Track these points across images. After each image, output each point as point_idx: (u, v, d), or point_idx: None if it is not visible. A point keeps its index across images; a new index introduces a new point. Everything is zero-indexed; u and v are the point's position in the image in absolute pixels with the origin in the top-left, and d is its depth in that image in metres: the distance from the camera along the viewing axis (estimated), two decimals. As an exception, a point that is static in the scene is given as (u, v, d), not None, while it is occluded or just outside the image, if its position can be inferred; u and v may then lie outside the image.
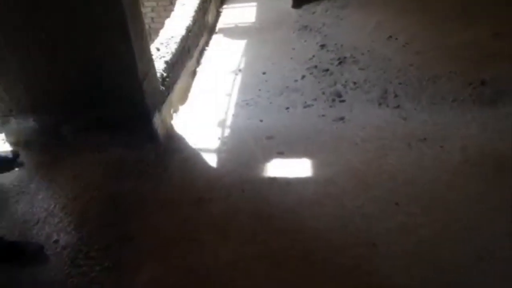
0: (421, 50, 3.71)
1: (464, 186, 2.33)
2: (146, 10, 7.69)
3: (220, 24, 4.95)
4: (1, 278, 1.94)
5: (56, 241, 2.12)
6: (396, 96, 3.16)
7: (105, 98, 2.54)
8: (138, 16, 2.64)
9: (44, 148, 2.65)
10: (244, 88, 3.54)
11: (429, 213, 2.18)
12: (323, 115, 3.08)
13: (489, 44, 3.59)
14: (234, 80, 3.68)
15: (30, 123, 2.55)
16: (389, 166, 2.53)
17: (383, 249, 2.02)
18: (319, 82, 3.50)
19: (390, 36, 4.01)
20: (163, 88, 2.98)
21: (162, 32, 3.71)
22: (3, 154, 2.56)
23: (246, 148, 2.78)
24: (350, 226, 2.15)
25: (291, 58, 3.98)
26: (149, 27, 7.51)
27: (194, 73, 3.81)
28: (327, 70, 3.64)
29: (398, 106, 3.05)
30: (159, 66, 3.10)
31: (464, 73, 3.27)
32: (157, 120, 2.71)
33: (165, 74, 3.09)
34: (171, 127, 2.92)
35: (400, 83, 3.29)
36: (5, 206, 2.26)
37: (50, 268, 2.02)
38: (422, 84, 3.25)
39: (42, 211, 2.26)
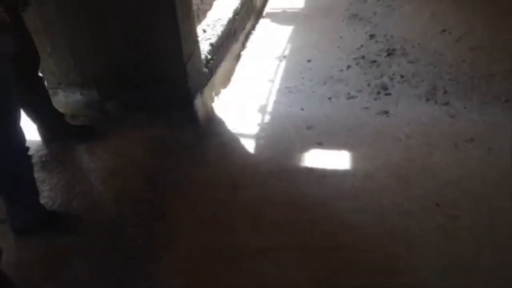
0: (476, 45, 3.53)
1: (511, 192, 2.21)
2: (196, -10, 7.74)
3: (267, 9, 4.89)
4: (39, 246, 2.02)
5: (94, 215, 2.17)
6: (445, 92, 3.03)
7: (149, 77, 2.57)
8: (186, -2, 2.65)
9: (89, 122, 2.72)
10: (287, 75, 3.49)
11: (471, 216, 2.09)
12: (366, 108, 3.00)
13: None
14: (278, 66, 3.64)
15: (77, 96, 2.62)
16: (432, 165, 2.44)
17: (420, 250, 1.96)
18: (365, 73, 3.40)
19: (444, 30, 3.84)
20: (207, 70, 2.98)
21: (209, 14, 3.71)
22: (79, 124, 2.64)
23: (285, 136, 2.74)
24: (386, 223, 2.10)
25: (338, 47, 3.88)
26: (198, 8, 7.52)
27: (238, 57, 3.79)
28: (375, 61, 3.53)
29: (446, 103, 2.92)
30: (204, 48, 3.10)
31: (521, 73, 3.10)
32: (198, 102, 2.72)
33: (209, 57, 3.08)
34: (212, 110, 2.93)
35: (450, 80, 3.15)
36: (49, 175, 2.34)
37: (86, 240, 2.08)
38: (474, 81, 3.10)
39: (83, 183, 2.32)
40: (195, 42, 2.80)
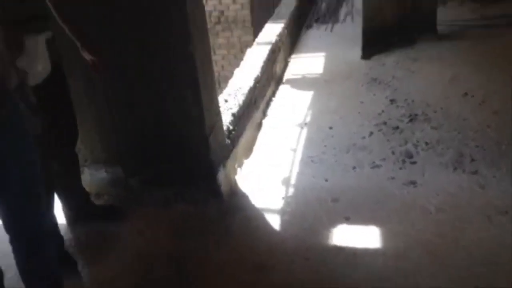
0: (500, 109, 3.49)
1: (555, 272, 2.09)
2: (217, 58, 8.01)
3: (287, 74, 4.98)
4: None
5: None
6: (472, 160, 2.96)
7: (172, 151, 2.58)
8: (209, 68, 2.70)
9: (112, 201, 2.70)
10: (309, 143, 3.48)
11: (514, 302, 1.96)
12: (392, 178, 2.93)
13: None
14: (299, 134, 3.63)
15: (101, 174, 2.63)
16: (466, 241, 2.33)
17: None
18: (388, 140, 3.36)
19: (466, 93, 3.82)
20: (229, 142, 2.98)
21: (230, 83, 3.77)
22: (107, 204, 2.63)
23: (311, 210, 2.68)
24: (424, 310, 1.98)
25: (359, 112, 3.88)
26: (219, 74, 7.79)
27: (259, 125, 3.81)
28: (397, 127, 3.50)
29: (475, 172, 2.85)
30: (226, 118, 3.12)
31: (551, 138, 3.02)
32: (221, 176, 2.70)
33: (231, 127, 3.10)
34: (235, 183, 2.90)
35: (477, 146, 3.09)
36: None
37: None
38: (501, 148, 3.03)
39: (106, 267, 2.27)
40: (217, 114, 2.83)
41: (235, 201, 2.74)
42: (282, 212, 2.67)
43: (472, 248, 2.28)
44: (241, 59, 4.39)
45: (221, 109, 3.19)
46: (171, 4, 2.29)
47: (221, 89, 3.84)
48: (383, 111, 3.83)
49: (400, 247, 2.33)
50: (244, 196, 2.80)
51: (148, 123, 2.57)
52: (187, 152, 2.61)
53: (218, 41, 7.76)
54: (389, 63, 4.77)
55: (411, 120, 3.58)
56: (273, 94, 4.40)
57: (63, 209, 2.47)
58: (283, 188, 2.91)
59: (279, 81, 4.69)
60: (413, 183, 2.84)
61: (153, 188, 2.67)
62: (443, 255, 2.26)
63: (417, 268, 2.18)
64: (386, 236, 2.43)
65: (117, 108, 2.56)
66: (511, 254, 2.21)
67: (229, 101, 3.43)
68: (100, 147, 2.67)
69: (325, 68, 4.96)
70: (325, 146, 3.42)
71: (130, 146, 2.64)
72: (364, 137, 3.47)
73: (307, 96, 4.32)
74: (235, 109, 3.30)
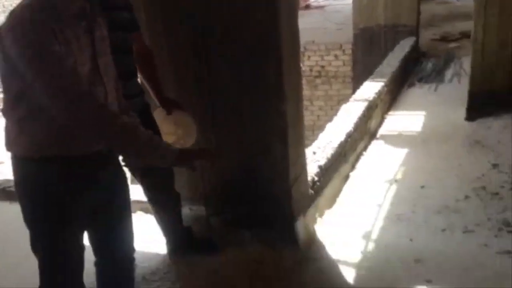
0: None
1: None
2: (314, 108, 8.19)
3: (382, 130, 4.91)
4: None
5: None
6: None
7: (254, 196, 2.67)
8: (299, 125, 2.80)
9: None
10: (397, 201, 3.36)
11: None
12: (485, 245, 2.71)
13: None
14: (387, 191, 3.53)
15: (185, 211, 2.79)
16: None
17: None
18: (485, 207, 3.13)
19: None
20: (312, 192, 3.01)
21: (321, 136, 3.83)
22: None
23: (390, 268, 2.57)
24: None
25: (456, 175, 3.68)
26: (314, 124, 7.94)
27: (346, 178, 3.78)
28: (497, 193, 3.26)
29: None
30: (312, 169, 3.17)
31: None
32: (300, 224, 2.72)
33: (316, 179, 3.13)
34: (314, 232, 2.89)
35: None
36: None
37: None
38: None
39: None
40: (303, 167, 2.88)
41: (311, 251, 2.72)
42: (359, 267, 2.59)
43: None
44: (338, 110, 4.45)
45: (308, 160, 3.26)
46: (269, 65, 2.44)
47: (315, 136, 3.92)
48: (483, 175, 3.60)
49: (486, 321, 2.13)
50: (321, 247, 2.78)
51: (234, 168, 2.70)
52: (269, 198, 2.68)
53: (317, 93, 7.95)
54: (496, 127, 4.49)
55: (513, 188, 3.31)
56: (365, 148, 4.37)
57: (166, 240, 2.65)
58: (363, 243, 2.83)
59: (373, 136, 4.65)
60: (508, 253, 2.60)
61: (232, 229, 2.77)
62: (537, 336, 2.01)
63: None
64: (470, 307, 2.24)
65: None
66: None
67: (317, 153, 3.48)
68: (187, 187, 2.84)
69: (424, 126, 4.82)
70: (415, 205, 3.28)
71: (214, 187, 2.79)
72: (458, 200, 3.28)
73: (400, 153, 4.21)
74: (322, 162, 3.34)
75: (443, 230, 2.93)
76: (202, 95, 2.60)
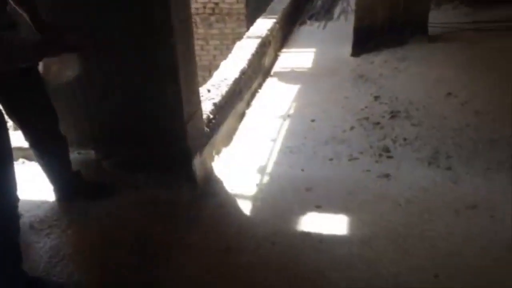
0: (481, 110, 3.52)
1: (515, 265, 2.12)
2: (210, 47, 8.05)
3: (276, 68, 5.01)
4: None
5: (79, 281, 2.12)
6: (448, 157, 2.99)
7: (147, 136, 2.60)
8: (190, 60, 2.71)
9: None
10: (290, 135, 3.50)
11: (471, 291, 1.99)
12: (368, 170, 2.96)
13: (557, 109, 3.35)
14: (281, 125, 3.66)
15: (75, 155, 2.64)
16: (432, 233, 2.36)
17: (415, 327, 1.85)
18: (368, 135, 3.39)
19: (449, 93, 3.85)
20: (208, 130, 3.01)
21: (215, 74, 3.79)
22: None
23: (283, 198, 2.71)
24: (382, 296, 2.01)
25: (343, 107, 3.91)
26: (210, 63, 7.83)
27: (242, 115, 3.83)
28: (378, 123, 3.53)
29: (449, 168, 2.88)
30: (207, 107, 3.15)
31: (526, 138, 3.06)
32: (197, 162, 2.72)
33: (211, 116, 3.12)
34: (211, 169, 2.92)
35: (454, 144, 3.12)
36: (36, 238, 2.31)
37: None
38: (478, 147, 3.06)
39: (69, 247, 2.29)
40: (198, 103, 2.84)
41: (209, 187, 2.76)
42: (254, 199, 2.70)
43: (437, 240, 2.31)
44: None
45: (203, 98, 3.23)
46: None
47: (212, 76, 3.86)
48: (366, 107, 3.86)
49: (366, 236, 2.36)
50: (218, 182, 2.83)
51: (124, 109, 2.57)
52: (164, 138, 2.63)
53: (212, 31, 7.80)
54: (378, 61, 4.80)
55: (392, 117, 3.61)
56: (260, 86, 4.43)
57: (54, 189, 2.50)
58: (259, 176, 2.94)
59: (267, 73, 4.72)
60: (387, 176, 2.87)
61: (126, 172, 2.69)
62: (407, 245, 2.29)
63: (380, 256, 2.21)
64: (354, 225, 2.46)
65: (93, 94, 2.57)
66: (474, 248, 2.24)
67: (212, 91, 3.45)
68: (74, 130, 2.67)
69: (314, 63, 5.00)
70: (305, 137, 3.45)
71: (103, 129, 2.66)
72: (344, 131, 3.51)
73: (293, 89, 4.35)
74: (217, 99, 3.32)
75: (331, 159, 3.13)
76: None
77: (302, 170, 3.01)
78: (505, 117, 3.35)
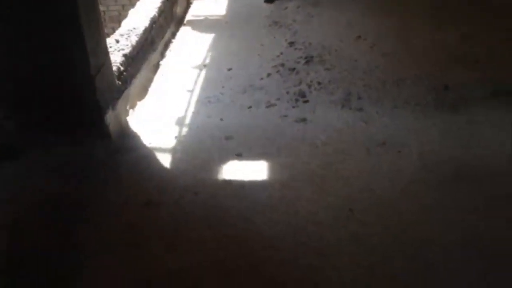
0: (388, 51, 3.67)
1: (419, 194, 2.30)
2: (119, -4, 7.51)
3: (189, 16, 4.82)
4: None
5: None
6: (359, 98, 3.12)
7: (52, 93, 2.42)
8: (93, 7, 2.52)
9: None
10: (207, 85, 3.44)
11: (382, 222, 2.14)
12: (285, 116, 3.01)
13: (456, 49, 3.59)
14: (198, 76, 3.58)
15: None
16: (346, 172, 2.48)
17: (334, 259, 1.97)
18: (284, 81, 3.43)
19: (359, 36, 3.97)
20: (120, 83, 2.86)
21: (124, 23, 3.57)
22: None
23: (203, 148, 2.69)
24: (301, 234, 2.10)
25: (259, 54, 3.89)
26: (120, 14, 7.34)
27: (156, 67, 3.69)
28: (294, 69, 3.57)
29: (360, 109, 3.01)
30: (117, 59, 2.98)
31: (428, 77, 3.25)
32: (109, 117, 2.60)
33: (122, 68, 2.97)
34: (126, 124, 2.81)
35: (364, 85, 3.25)
36: None
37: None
38: (386, 87, 3.21)
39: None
40: (105, 54, 2.68)
41: (125, 142, 2.67)
42: (174, 151, 2.65)
43: (350, 178, 2.44)
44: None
45: (112, 49, 3.05)
46: None
47: (113, 29, 3.64)
48: (281, 53, 3.87)
49: (286, 179, 2.43)
50: (135, 137, 2.74)
51: (25, 64, 2.37)
52: (71, 93, 2.46)
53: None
54: (291, 7, 4.78)
55: (307, 62, 3.66)
56: (173, 35, 4.26)
57: None
58: (177, 128, 2.88)
59: (179, 22, 4.54)
60: (303, 120, 2.94)
61: (35, 132, 2.51)
62: (324, 184, 2.39)
63: (299, 197, 2.30)
64: (274, 169, 2.52)
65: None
66: (384, 182, 2.39)
67: (121, 41, 3.25)
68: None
69: (227, 10, 4.87)
70: (223, 87, 3.41)
71: (5, 87, 2.43)
72: (262, 78, 3.51)
73: (208, 38, 4.23)
74: (127, 50, 3.15)
75: (249, 107, 3.14)
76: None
77: (221, 119, 2.99)
78: (409, 57, 3.53)
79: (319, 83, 3.34)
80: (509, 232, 2.06)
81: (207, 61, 3.83)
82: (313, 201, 2.27)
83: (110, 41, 3.15)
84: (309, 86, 3.32)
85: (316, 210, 2.21)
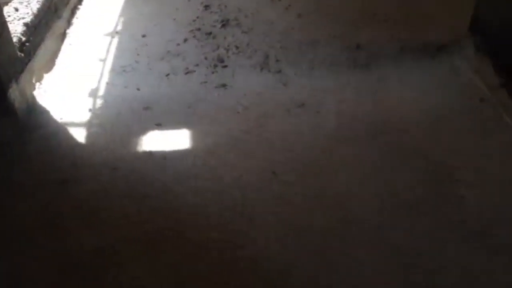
0: (303, 12, 3.69)
1: (337, 151, 2.39)
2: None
3: (96, -20, 4.51)
4: None
5: None
6: (277, 61, 3.13)
7: None
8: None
9: None
10: (121, 53, 3.27)
11: (304, 180, 2.21)
12: (205, 82, 2.96)
13: (367, 8, 3.68)
14: (110, 44, 3.39)
15: None
16: (268, 134, 2.51)
17: (259, 221, 2.02)
18: (202, 46, 3.34)
19: (274, -2, 3.95)
20: (22, 55, 2.64)
21: (22, -11, 3.26)
22: None
23: (121, 120, 2.59)
24: (227, 199, 2.12)
25: (174, 19, 3.75)
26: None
27: (63, 36, 3.43)
28: (210, 33, 3.49)
29: (279, 71, 3.03)
30: (17, 29, 2.74)
31: (342, 37, 3.32)
32: (14, 92, 2.40)
33: (24, 39, 2.73)
34: (33, 99, 2.62)
35: (281, 47, 3.26)
36: None
37: None
38: (302, 48, 3.25)
39: None
40: (2, 24, 2.44)
41: (33, 119, 2.49)
42: (89, 125, 2.53)
43: (272, 140, 2.47)
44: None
45: (10, 18, 2.80)
46: None
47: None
48: (197, 17, 3.75)
49: (209, 146, 2.42)
50: (44, 112, 2.56)
51: None
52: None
53: None
54: (204, -32, 4.63)
55: (223, 26, 3.59)
56: (79, 1, 3.97)
57: None
58: (91, 101, 2.73)
59: (85, -13, 4.23)
60: (224, 85, 2.91)
61: None
62: (247, 148, 2.41)
63: (222, 163, 2.30)
64: (196, 137, 2.49)
65: None
66: (305, 142, 2.45)
67: (20, 9, 2.98)
68: None
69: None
70: (138, 54, 3.26)
71: None
72: (178, 44, 3.39)
73: (118, 2, 3.99)
74: (28, 19, 2.90)
75: (167, 74, 3.04)
76: None
77: (138, 89, 2.88)
78: (324, 18, 3.58)
79: (237, 47, 3.30)
80: (421, 183, 2.20)
81: (119, 27, 3.63)
82: (237, 166, 2.28)
83: (8, 9, 2.88)
84: (227, 51, 3.27)
85: (240, 175, 2.23)
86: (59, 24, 3.43)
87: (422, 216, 2.04)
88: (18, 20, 2.86)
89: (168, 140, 2.46)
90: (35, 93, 2.68)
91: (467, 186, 2.17)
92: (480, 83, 2.77)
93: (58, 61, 3.14)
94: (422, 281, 1.78)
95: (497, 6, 2.74)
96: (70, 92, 2.78)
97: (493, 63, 2.73)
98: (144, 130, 2.52)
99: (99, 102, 2.73)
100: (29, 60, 2.73)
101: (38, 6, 3.06)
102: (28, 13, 2.95)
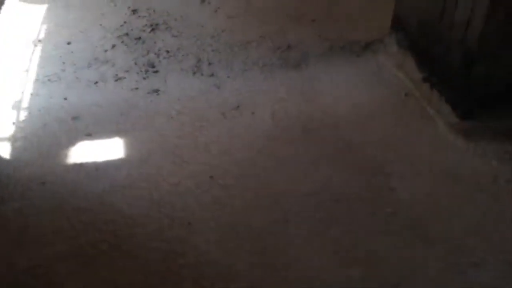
0: (233, 14, 3.71)
1: (274, 151, 2.42)
2: None
3: (14, -15, 4.27)
4: None
5: None
6: (210, 64, 3.12)
7: None
8: None
9: None
10: (45, 62, 3.12)
11: (241, 182, 2.22)
12: (136, 88, 2.89)
13: (295, 9, 3.76)
14: (32, 53, 3.22)
15: None
16: (204, 138, 2.50)
17: (198, 226, 2.00)
18: (131, 52, 3.26)
19: (203, 0, 3.93)
20: None
21: None
22: None
23: (48, 132, 2.47)
24: (165, 207, 2.08)
25: (101, 25, 3.63)
26: None
27: (-21, 46, 3.22)
28: (139, 38, 3.41)
29: (212, 75, 3.02)
30: None
31: (273, 37, 3.37)
32: None
33: None
34: None
35: (213, 50, 3.25)
36: None
37: None
38: (234, 50, 3.26)
39: None
40: None
41: None
42: (13, 139, 2.39)
43: (209, 144, 2.47)
44: None
45: None
46: None
47: None
48: (125, 22, 3.66)
49: (143, 154, 2.37)
50: (-39, 129, 2.39)
51: None
52: None
53: None
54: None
55: (153, 30, 3.53)
56: (-4, 8, 3.75)
57: None
58: (14, 113, 2.59)
59: (2, -7, 4.00)
60: (156, 91, 2.86)
61: None
62: (183, 154, 2.38)
63: (159, 171, 2.26)
64: (130, 146, 2.43)
65: None
66: (241, 143, 2.46)
67: None
68: None
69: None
70: (64, 63, 3.13)
71: None
72: (106, 50, 3.29)
73: (40, 9, 3.81)
74: None
75: (96, 82, 2.94)
76: None
77: (65, 98, 2.76)
78: (253, 19, 3.61)
79: (167, 52, 3.25)
80: (356, 178, 2.28)
81: (42, 35, 3.46)
82: (174, 172, 2.25)
83: None
84: (158, 55, 3.21)
85: (178, 181, 2.20)
86: (-26, 33, 3.22)
87: (357, 209, 2.11)
88: None
89: (100, 150, 2.38)
90: (-50, 108, 2.49)
91: (398, 178, 2.27)
92: (404, 78, 2.91)
93: (-25, 73, 2.95)
94: (360, 274, 1.84)
95: (413, 6, 2.90)
96: (-10, 105, 2.61)
97: (415, 58, 2.88)
98: (73, 141, 2.42)
99: (23, 114, 2.59)
100: None
101: None
102: None
